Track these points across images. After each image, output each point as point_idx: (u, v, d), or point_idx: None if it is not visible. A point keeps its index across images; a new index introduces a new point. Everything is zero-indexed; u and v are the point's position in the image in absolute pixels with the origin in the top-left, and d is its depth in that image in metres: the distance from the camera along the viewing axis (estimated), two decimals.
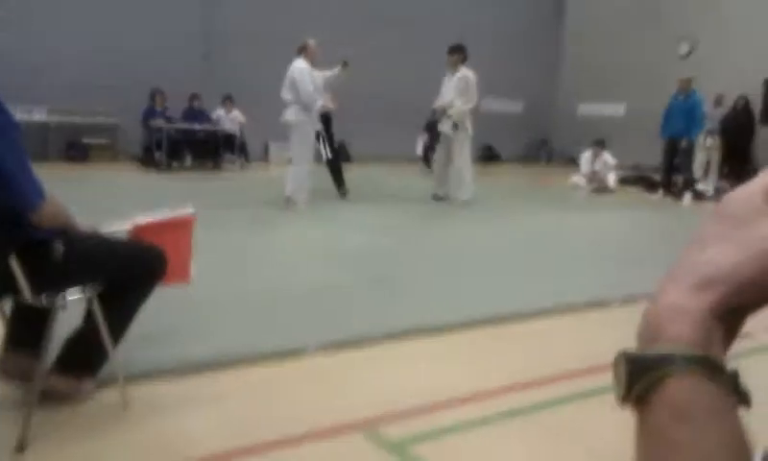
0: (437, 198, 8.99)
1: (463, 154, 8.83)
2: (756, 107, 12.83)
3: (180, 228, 2.98)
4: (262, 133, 13.38)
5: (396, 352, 3.31)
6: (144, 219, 2.80)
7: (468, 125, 8.82)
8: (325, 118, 8.58)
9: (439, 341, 3.51)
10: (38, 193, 2.20)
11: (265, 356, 3.10)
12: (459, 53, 8.82)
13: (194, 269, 2.97)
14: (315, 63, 7.95)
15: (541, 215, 8.50)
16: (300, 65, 7.76)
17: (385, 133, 14.75)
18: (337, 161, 8.97)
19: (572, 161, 12.86)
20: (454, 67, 8.82)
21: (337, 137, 9.14)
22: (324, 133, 8.50)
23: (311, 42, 7.95)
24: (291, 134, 7.95)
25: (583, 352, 3.37)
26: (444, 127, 8.87)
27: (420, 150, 14.05)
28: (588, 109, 16.98)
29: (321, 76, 8.12)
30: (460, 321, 3.76)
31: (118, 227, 2.73)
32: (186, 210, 3.00)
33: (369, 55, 13.42)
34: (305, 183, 7.87)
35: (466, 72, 8.75)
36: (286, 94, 7.84)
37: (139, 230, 2.76)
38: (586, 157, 12.16)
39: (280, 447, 2.32)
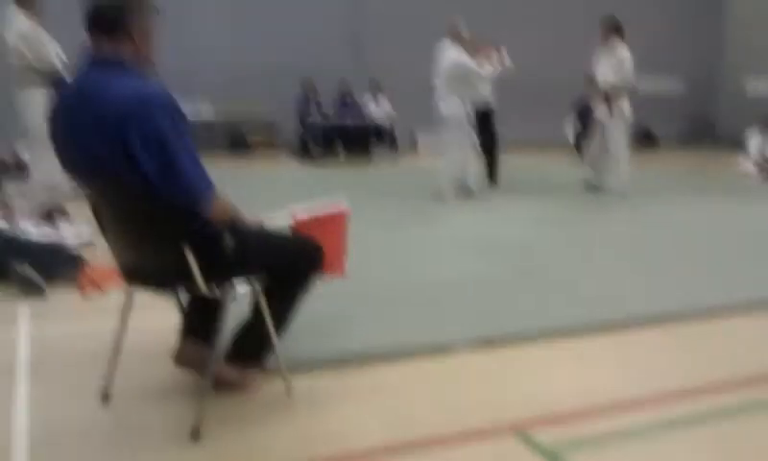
0: (590, 188, 8.61)
1: (619, 140, 8.40)
2: None
3: (336, 222, 3.10)
4: (410, 122, 13.52)
5: (551, 352, 3.23)
6: (303, 212, 2.94)
7: (625, 107, 8.38)
8: (486, 110, 8.47)
9: (596, 341, 3.38)
10: (209, 187, 2.30)
11: (417, 351, 3.14)
12: (610, 25, 8.30)
13: (348, 263, 3.08)
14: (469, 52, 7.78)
15: (706, 205, 7.92)
16: (456, 55, 7.59)
17: (532, 118, 14.39)
18: (495, 152, 8.86)
19: (740, 145, 11.84)
20: (606, 41, 8.33)
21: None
22: (483, 123, 8.38)
23: (463, 30, 7.78)
24: (446, 126, 7.86)
25: (758, 359, 3.14)
26: (600, 111, 8.48)
27: (570, 135, 13.49)
28: (758, 86, 15.55)
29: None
30: (619, 319, 3.61)
31: (280, 220, 2.88)
32: (341, 205, 3.11)
33: (514, 33, 13.13)
34: (458, 175, 7.86)
35: (619, 49, 8.23)
36: (443, 85, 7.73)
37: (299, 224, 2.90)
38: (755, 140, 11.18)
39: (431, 445, 2.34)
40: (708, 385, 2.85)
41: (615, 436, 2.42)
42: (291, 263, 2.66)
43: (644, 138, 15.89)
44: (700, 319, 3.71)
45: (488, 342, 3.27)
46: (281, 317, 2.66)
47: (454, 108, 7.70)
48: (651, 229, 6.46)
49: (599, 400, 2.69)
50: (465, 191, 8.06)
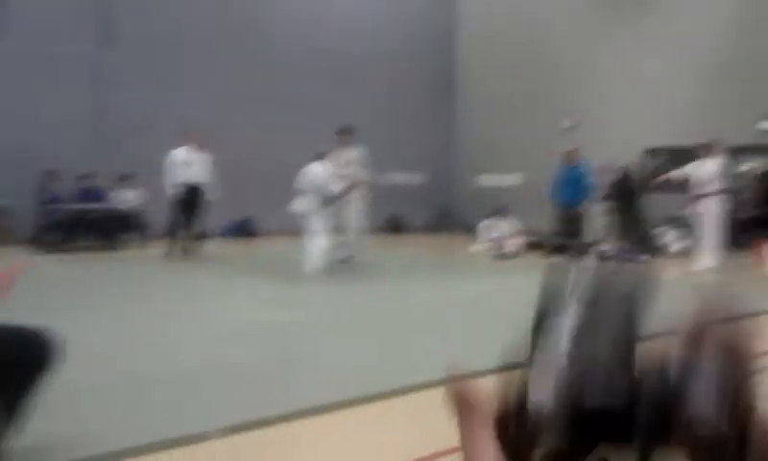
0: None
1: (351, 218, 9.57)
2: (638, 175, 13.67)
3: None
4: (161, 209, 13.08)
5: (291, 431, 3.23)
6: None
7: (362, 196, 9.63)
8: (192, 192, 9.85)
9: (339, 417, 3.44)
10: None
11: (165, 444, 2.94)
12: (340, 131, 9.81)
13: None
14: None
15: (442, 282, 8.65)
16: (319, 170, 8.70)
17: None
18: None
19: (473, 230, 13.29)
20: (348, 145, 9.70)
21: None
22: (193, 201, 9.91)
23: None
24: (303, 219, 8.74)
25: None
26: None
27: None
28: (486, 180, 17.73)
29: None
30: (353, 396, 3.65)
31: None
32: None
33: (265, 134, 13.69)
34: (322, 255, 8.58)
35: (346, 150, 9.62)
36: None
37: None
38: (485, 225, 12.69)
39: None
40: (439, 451, 3.02)
41: None
42: (12, 358, 2.43)
43: (392, 225, 17.12)
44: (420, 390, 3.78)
45: (237, 427, 3.17)
46: (11, 414, 2.41)
47: (304, 205, 8.73)
48: (387, 304, 6.91)
49: None
50: (343, 263, 9.03)
